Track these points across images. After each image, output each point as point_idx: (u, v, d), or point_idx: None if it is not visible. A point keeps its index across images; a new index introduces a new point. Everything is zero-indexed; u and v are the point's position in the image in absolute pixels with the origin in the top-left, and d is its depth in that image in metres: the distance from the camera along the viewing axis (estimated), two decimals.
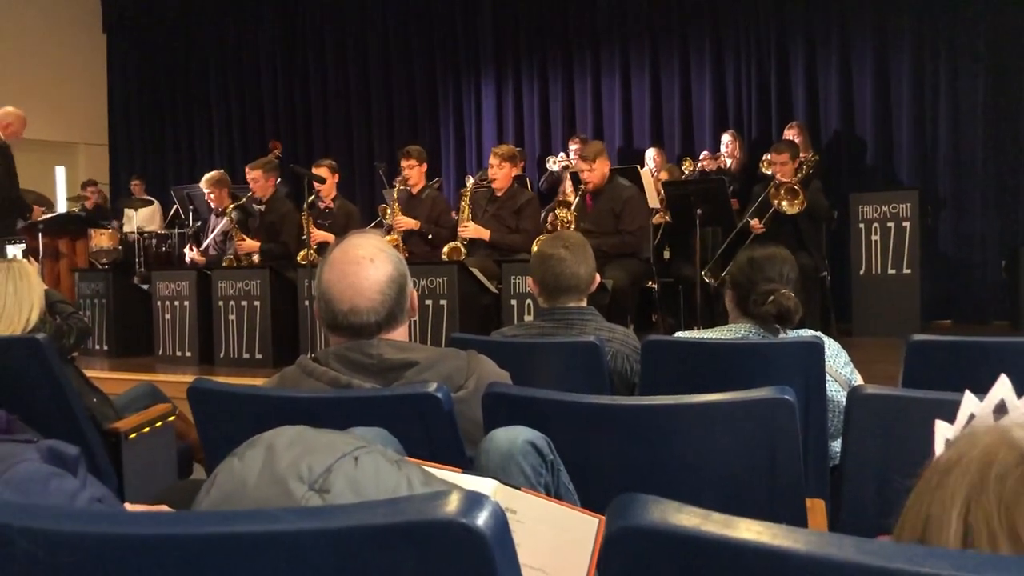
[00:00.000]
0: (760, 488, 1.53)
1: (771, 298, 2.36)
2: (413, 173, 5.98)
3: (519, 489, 1.26)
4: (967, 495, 0.70)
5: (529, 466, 1.38)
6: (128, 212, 8.62)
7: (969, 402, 0.83)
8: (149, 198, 9.00)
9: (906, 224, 6.03)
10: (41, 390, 2.66)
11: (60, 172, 10.72)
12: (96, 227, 7.67)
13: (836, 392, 2.33)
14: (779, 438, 1.50)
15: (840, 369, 2.40)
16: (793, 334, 2.41)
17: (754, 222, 5.82)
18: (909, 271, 6.02)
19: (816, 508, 1.68)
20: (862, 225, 6.15)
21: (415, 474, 0.91)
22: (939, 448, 0.83)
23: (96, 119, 11.30)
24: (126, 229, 8.23)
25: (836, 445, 2.24)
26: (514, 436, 1.41)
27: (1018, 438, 0.73)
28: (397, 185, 6.11)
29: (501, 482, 1.24)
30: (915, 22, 7.10)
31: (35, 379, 2.64)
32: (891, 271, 6.06)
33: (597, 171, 5.34)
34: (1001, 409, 0.79)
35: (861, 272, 6.16)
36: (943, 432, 0.84)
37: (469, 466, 1.43)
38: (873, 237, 6.11)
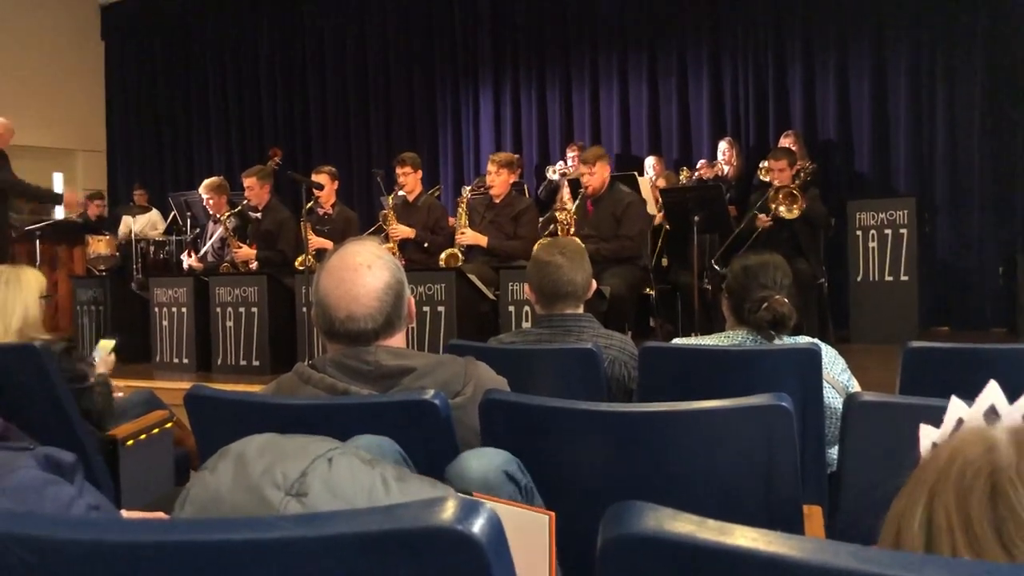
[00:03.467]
0: (757, 495, 1.53)
1: (765, 305, 2.37)
2: (408, 180, 5.99)
3: (471, 495, 1.26)
4: (931, 489, 0.71)
5: (506, 496, 1.36)
6: (126, 219, 8.62)
7: (956, 407, 0.84)
8: (145, 205, 9.01)
9: (903, 231, 6.04)
10: (37, 397, 2.65)
11: (58, 178, 10.72)
12: (95, 234, 7.67)
13: (833, 399, 2.34)
14: (776, 445, 1.50)
15: (837, 376, 2.41)
16: (790, 341, 2.42)
17: (761, 216, 5.80)
18: (907, 278, 6.03)
19: (813, 515, 1.68)
20: (859, 232, 6.16)
21: (390, 472, 0.91)
22: (924, 452, 0.83)
23: (94, 126, 11.31)
24: (121, 234, 8.23)
25: (833, 452, 2.23)
26: (488, 465, 1.37)
27: (993, 436, 0.73)
28: (395, 191, 6.11)
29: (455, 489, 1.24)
30: (912, 29, 7.12)
31: (31, 386, 2.64)
32: (888, 278, 6.07)
33: (597, 175, 5.33)
34: (992, 414, 0.80)
35: (859, 279, 6.17)
36: (928, 436, 0.85)
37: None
38: (870, 244, 6.12)
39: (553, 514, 1.23)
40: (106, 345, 3.37)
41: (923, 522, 0.70)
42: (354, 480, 0.86)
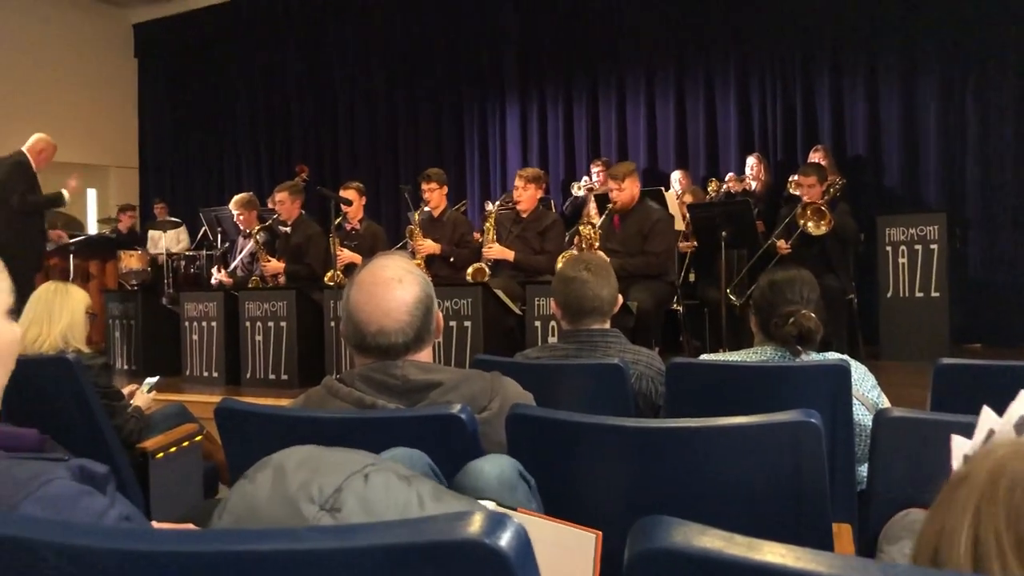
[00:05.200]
0: (786, 512, 1.52)
1: (791, 319, 2.35)
2: (434, 196, 6.03)
3: (515, 509, 1.26)
4: (976, 506, 0.70)
5: (522, 493, 1.38)
6: (155, 234, 8.73)
7: (988, 418, 0.83)
8: (175, 220, 9.13)
9: (934, 246, 5.97)
10: (71, 410, 2.69)
11: (91, 195, 10.90)
12: (127, 249, 7.78)
13: (863, 416, 2.31)
14: (805, 462, 1.49)
15: (867, 392, 2.38)
16: (819, 357, 2.40)
17: (780, 243, 5.79)
18: (937, 294, 5.95)
19: (843, 533, 1.66)
20: (889, 248, 6.10)
21: (426, 490, 0.91)
22: (956, 464, 0.83)
23: (127, 142, 11.49)
24: (152, 251, 8.33)
25: (864, 469, 2.21)
26: (502, 465, 1.39)
27: None
28: (421, 206, 6.15)
29: (497, 503, 1.24)
30: (942, 42, 7.06)
31: (66, 399, 2.68)
32: (919, 294, 6.00)
33: (626, 191, 5.32)
34: (1023, 425, 0.79)
35: (888, 295, 6.10)
36: (960, 448, 0.84)
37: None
38: (900, 259, 6.06)
39: (600, 533, 1.22)
40: (149, 382, 3.50)
41: (970, 543, 0.69)
42: (388, 497, 0.86)
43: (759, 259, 5.74)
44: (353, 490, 0.86)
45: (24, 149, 6.69)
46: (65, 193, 6.83)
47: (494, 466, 1.39)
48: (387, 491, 0.87)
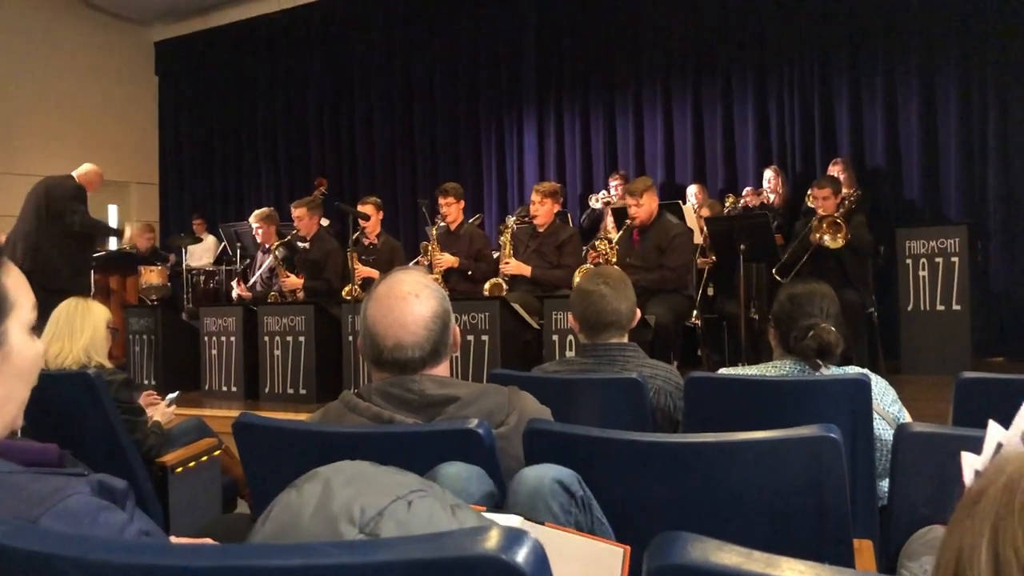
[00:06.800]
0: (806, 528, 1.51)
1: (811, 333, 2.34)
2: (451, 210, 6.05)
3: (543, 524, 1.26)
4: (994, 523, 0.69)
5: (557, 504, 1.35)
6: (193, 248, 8.81)
7: (995, 431, 0.83)
8: (200, 237, 9.19)
9: (955, 259, 5.92)
10: (92, 424, 2.71)
11: (112, 210, 11.00)
12: (147, 265, 7.84)
13: (884, 431, 2.29)
14: (825, 477, 1.48)
15: (888, 407, 2.36)
16: (839, 371, 2.38)
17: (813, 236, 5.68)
18: (959, 307, 5.90)
19: (864, 549, 1.64)
20: (909, 261, 6.05)
21: (470, 520, 0.90)
22: (968, 480, 0.82)
23: (148, 159, 11.61)
24: (198, 264, 8.41)
25: (885, 485, 2.19)
26: (542, 475, 1.38)
27: None
28: (437, 221, 6.18)
29: (525, 518, 1.24)
30: (962, 53, 7.02)
31: (87, 413, 2.69)
32: (940, 307, 5.95)
33: (645, 207, 5.32)
34: None
35: (909, 308, 6.05)
36: (971, 463, 0.84)
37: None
38: (921, 272, 6.01)
39: (628, 548, 1.22)
40: (170, 398, 3.57)
41: (990, 560, 0.69)
42: (429, 526, 0.86)
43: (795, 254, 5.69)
44: (394, 516, 0.85)
45: (76, 176, 6.86)
46: (128, 230, 6.97)
47: (533, 475, 1.38)
48: (429, 520, 0.86)
